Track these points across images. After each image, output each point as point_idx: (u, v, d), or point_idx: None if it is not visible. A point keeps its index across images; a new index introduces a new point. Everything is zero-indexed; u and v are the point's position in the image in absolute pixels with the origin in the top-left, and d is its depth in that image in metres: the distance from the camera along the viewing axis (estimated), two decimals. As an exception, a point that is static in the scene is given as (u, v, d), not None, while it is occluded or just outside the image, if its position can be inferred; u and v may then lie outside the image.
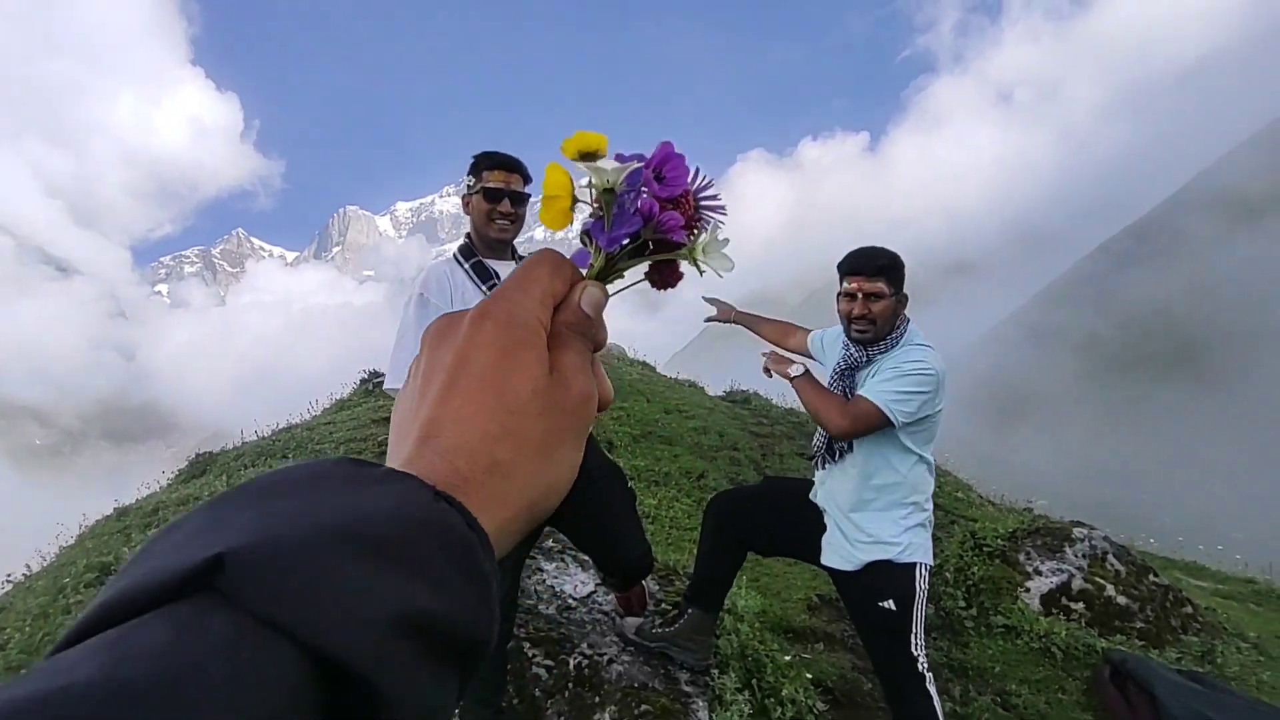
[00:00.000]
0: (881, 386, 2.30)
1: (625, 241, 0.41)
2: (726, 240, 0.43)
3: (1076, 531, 4.78)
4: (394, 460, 0.35)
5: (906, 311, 2.45)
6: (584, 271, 0.41)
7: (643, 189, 0.41)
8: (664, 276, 0.43)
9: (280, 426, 7.32)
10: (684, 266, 0.43)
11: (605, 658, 2.76)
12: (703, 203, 0.43)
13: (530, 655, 2.72)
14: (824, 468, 2.60)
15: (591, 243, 0.42)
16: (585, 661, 2.73)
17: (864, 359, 2.42)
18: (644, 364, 12.84)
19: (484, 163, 2.27)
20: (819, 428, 2.60)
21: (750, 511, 2.72)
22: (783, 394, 11.96)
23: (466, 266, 2.26)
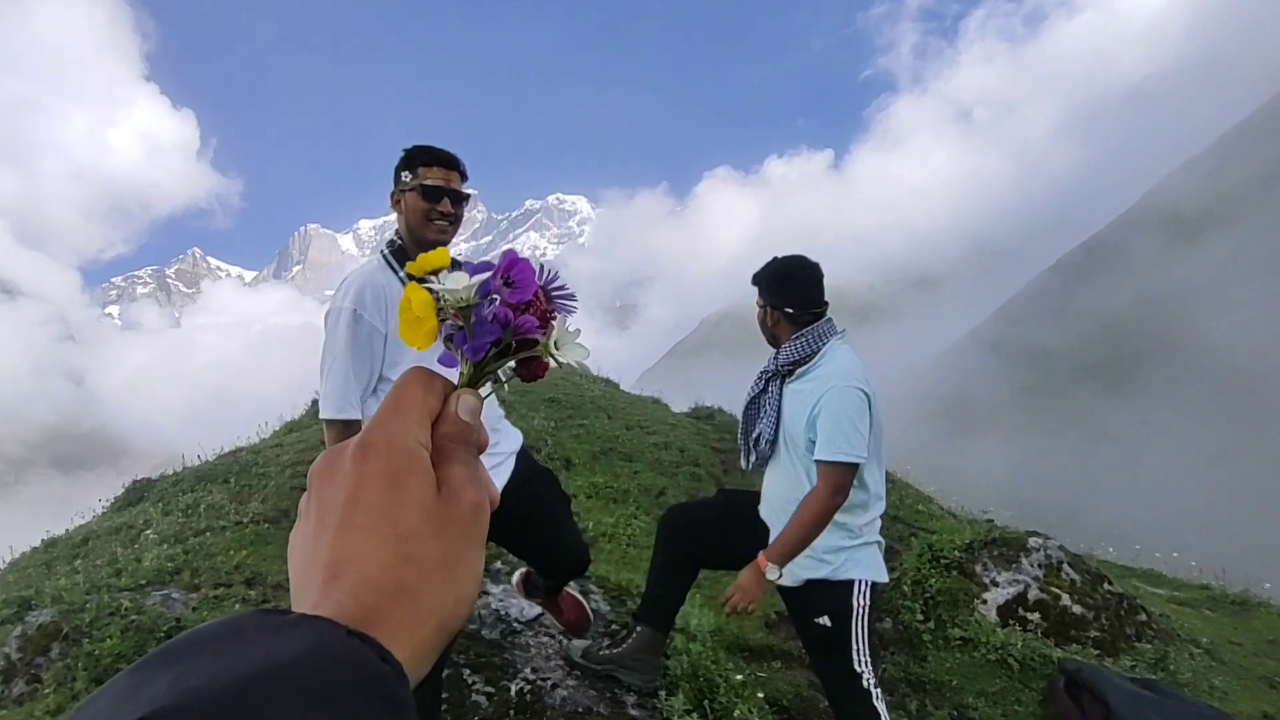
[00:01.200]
0: (823, 436, 2.27)
1: (489, 348, 0.43)
2: (578, 331, 0.45)
3: (1032, 541, 4.80)
4: (301, 604, 0.35)
5: (836, 331, 2.46)
6: (455, 379, 0.42)
7: (494, 297, 0.43)
8: (530, 370, 0.46)
9: (225, 450, 7.05)
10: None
11: (549, 683, 2.65)
12: (554, 296, 0.45)
13: (470, 682, 2.59)
14: (760, 468, 2.63)
15: (457, 351, 0.43)
16: (528, 687, 2.61)
17: (772, 368, 2.50)
18: (607, 381, 12.76)
19: (419, 158, 2.08)
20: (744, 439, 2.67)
21: (703, 524, 2.67)
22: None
23: (402, 275, 2.07)
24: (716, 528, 2.66)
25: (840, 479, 2.24)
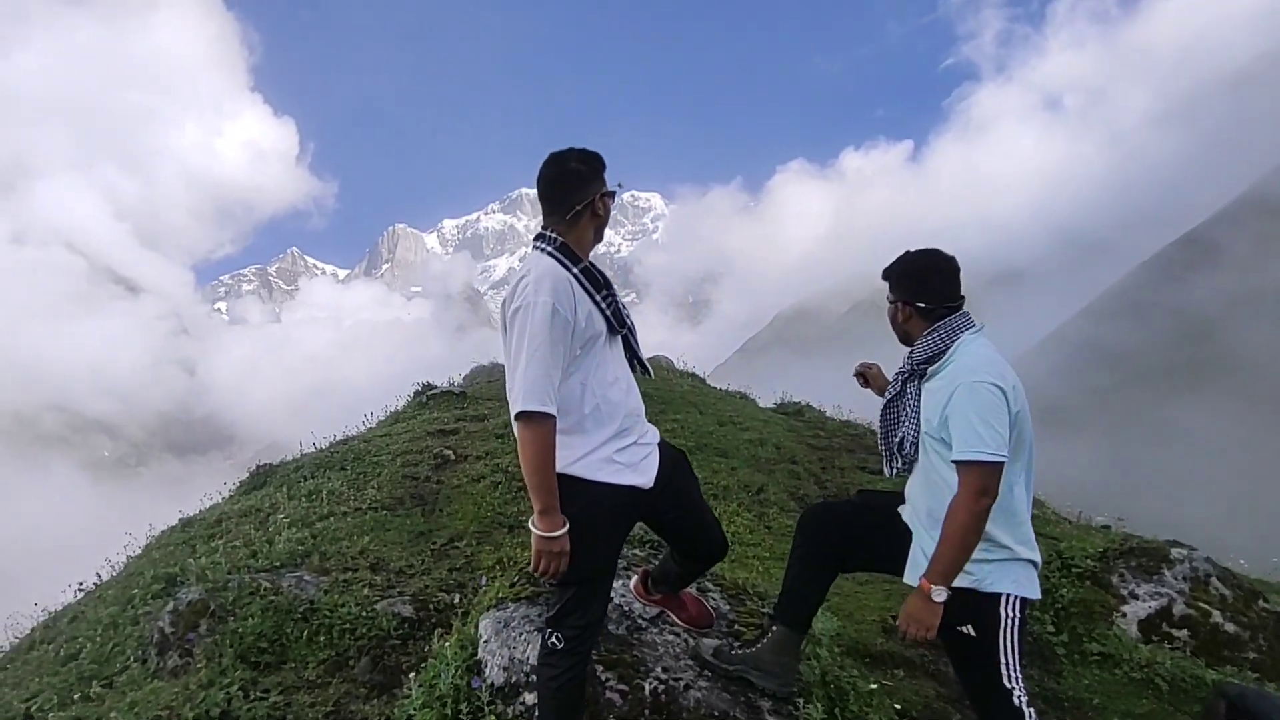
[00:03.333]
0: (956, 436, 2.15)
1: None
2: None
3: (1175, 552, 4.44)
4: None
5: (964, 324, 2.34)
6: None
7: None
8: None
9: (338, 439, 7.39)
10: None
11: (681, 683, 2.60)
12: None
13: (604, 679, 2.58)
14: (905, 473, 2.55)
15: None
16: (661, 687, 2.57)
17: (907, 368, 2.42)
18: (693, 375, 12.68)
19: (603, 163, 2.21)
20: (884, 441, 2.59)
21: (847, 521, 2.59)
22: (837, 405, 11.63)
23: (575, 271, 2.14)
24: (860, 526, 2.57)
25: (981, 480, 2.09)
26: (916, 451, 2.43)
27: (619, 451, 2.23)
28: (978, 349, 2.28)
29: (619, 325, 2.24)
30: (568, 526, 2.08)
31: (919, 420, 2.39)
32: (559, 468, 2.17)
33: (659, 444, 2.39)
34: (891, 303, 2.44)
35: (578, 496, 2.16)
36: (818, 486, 6.68)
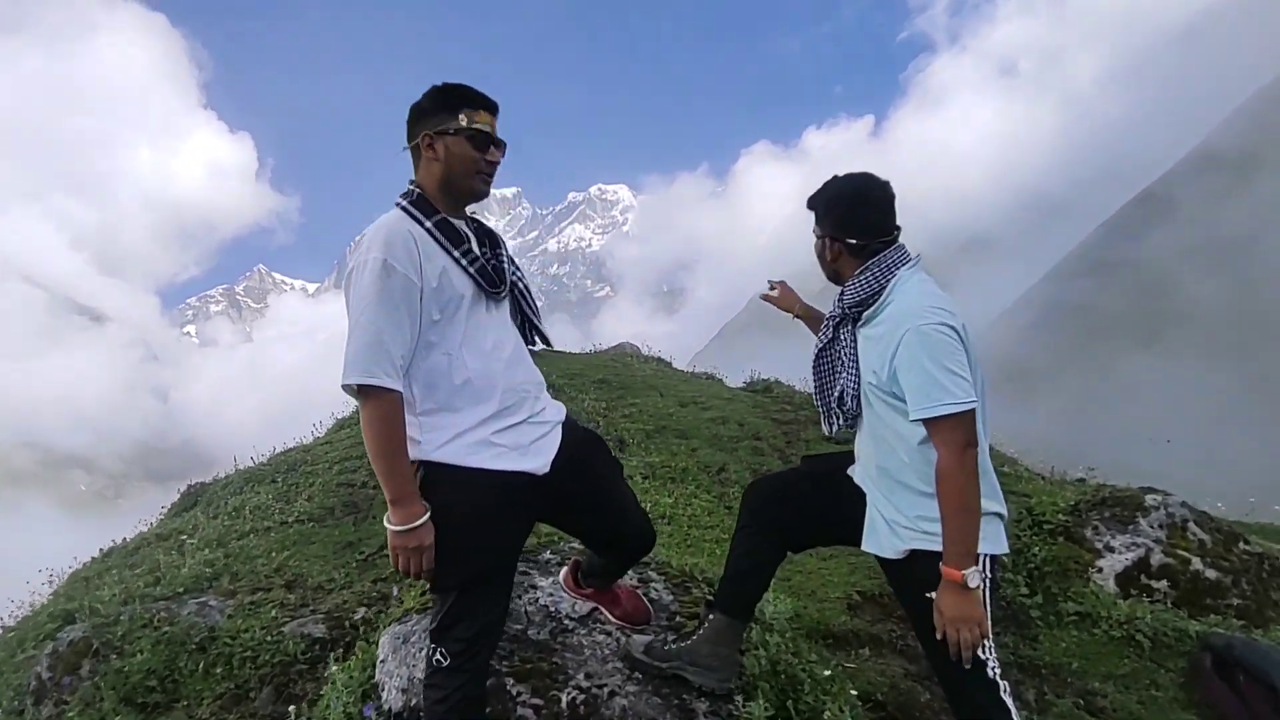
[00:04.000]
0: (914, 392, 1.87)
1: None
2: None
3: (1149, 499, 4.21)
4: None
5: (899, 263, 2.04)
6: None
7: None
8: None
9: (277, 450, 6.98)
10: None
11: (605, 689, 2.29)
12: None
13: (514, 693, 2.25)
14: (849, 429, 2.24)
15: None
16: (581, 696, 2.25)
17: (839, 312, 2.13)
18: (659, 360, 12.37)
19: (468, 99, 1.83)
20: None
21: (794, 493, 2.29)
22: (804, 378, 11.40)
23: (428, 224, 1.81)
24: (807, 496, 2.27)
25: (961, 432, 1.83)
26: (859, 405, 2.13)
27: (500, 432, 1.89)
28: (918, 286, 1.99)
29: (491, 284, 1.89)
30: (426, 516, 1.76)
31: (858, 370, 2.09)
32: (425, 454, 1.84)
33: (564, 423, 2.06)
34: (819, 238, 2.12)
35: (448, 486, 1.83)
36: (781, 461, 6.40)
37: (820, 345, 2.24)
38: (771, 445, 6.74)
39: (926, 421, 1.85)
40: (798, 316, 2.53)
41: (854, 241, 2.05)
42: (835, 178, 2.13)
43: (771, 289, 2.59)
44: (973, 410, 1.83)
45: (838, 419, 2.20)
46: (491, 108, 1.87)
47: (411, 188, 1.89)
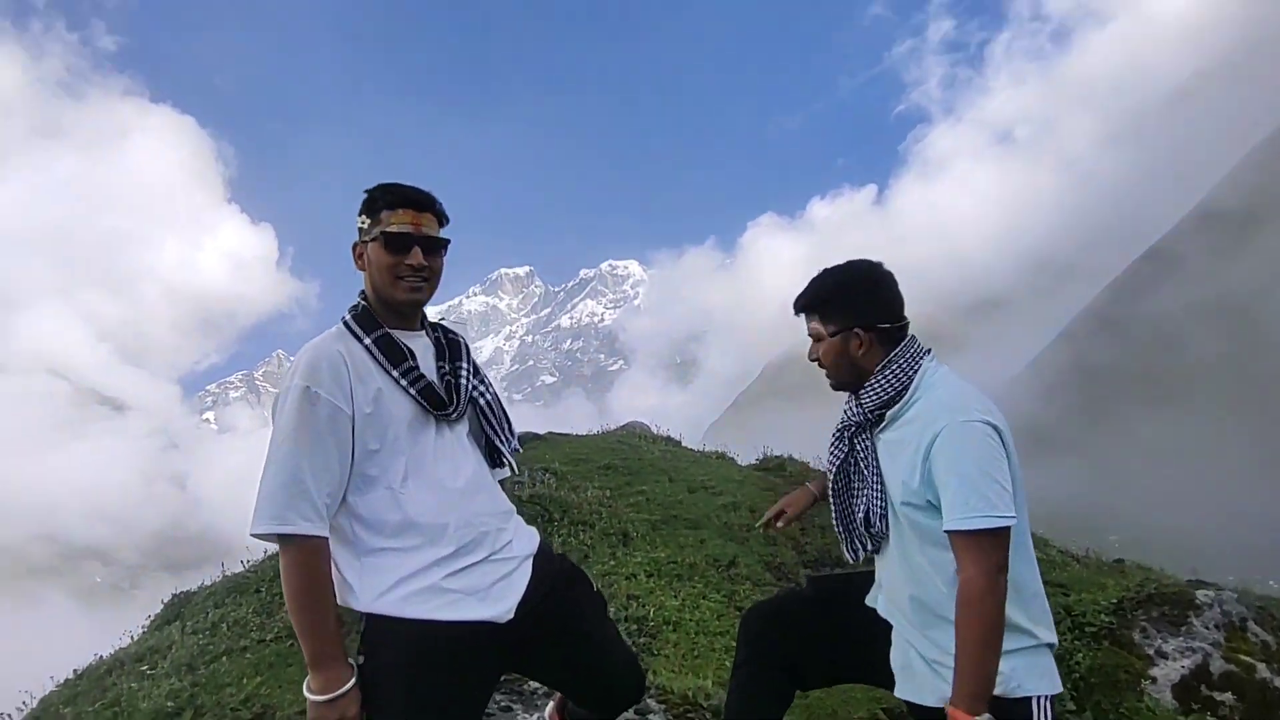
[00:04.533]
0: (951, 498, 1.61)
1: None
2: None
3: (1201, 595, 3.82)
4: None
5: (922, 351, 1.81)
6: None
7: None
8: None
9: (266, 554, 6.70)
10: None
11: None
12: None
13: None
14: (873, 554, 1.94)
15: None
16: None
17: (855, 418, 1.86)
18: (668, 440, 12.08)
19: (382, 199, 1.68)
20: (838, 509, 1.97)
21: (799, 621, 2.01)
22: (818, 456, 11.04)
23: (368, 341, 1.64)
24: (817, 626, 1.98)
25: (995, 553, 1.58)
26: (887, 525, 1.85)
27: (453, 575, 1.64)
28: (946, 378, 1.77)
29: (437, 405, 1.67)
30: (352, 682, 1.50)
31: (882, 483, 1.83)
32: (364, 604, 1.59)
33: (536, 555, 1.80)
34: (835, 333, 1.82)
35: (390, 642, 1.58)
36: (796, 552, 6.05)
37: (836, 463, 1.95)
38: (785, 534, 6.39)
39: (958, 535, 1.60)
40: (819, 499, 2.21)
41: (886, 326, 1.81)
42: (828, 269, 1.90)
43: (775, 521, 2.24)
44: (1007, 531, 1.59)
45: (863, 544, 1.92)
46: (416, 203, 1.69)
47: (359, 301, 1.73)
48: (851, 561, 1.96)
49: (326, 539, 1.52)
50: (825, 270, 1.90)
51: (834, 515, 1.98)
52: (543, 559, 1.82)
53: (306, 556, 1.49)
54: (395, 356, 1.65)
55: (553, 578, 1.81)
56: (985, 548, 1.57)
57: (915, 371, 1.77)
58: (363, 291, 1.74)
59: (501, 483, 1.91)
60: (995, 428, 1.66)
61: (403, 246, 1.65)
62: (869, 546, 1.89)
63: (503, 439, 1.88)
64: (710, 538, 6.16)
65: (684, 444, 12.78)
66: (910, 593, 1.78)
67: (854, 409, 1.87)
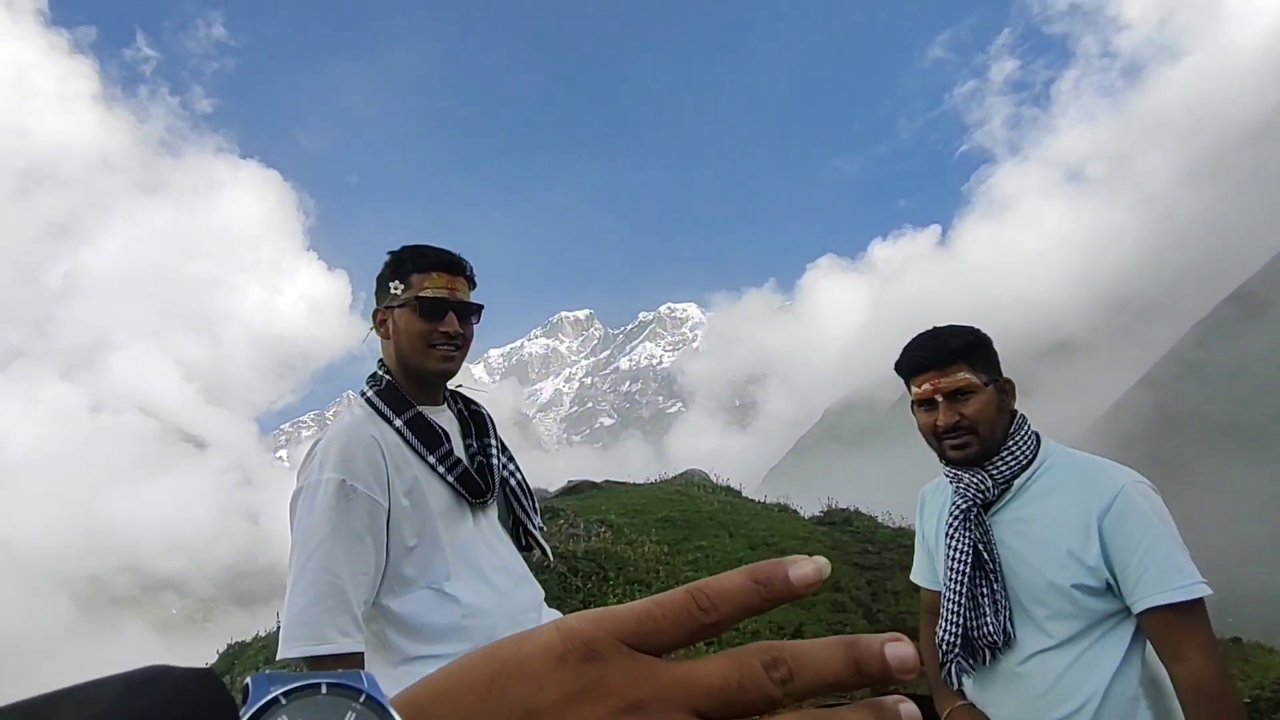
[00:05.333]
0: (1157, 568, 1.34)
1: None
2: None
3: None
4: None
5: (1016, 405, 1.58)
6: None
7: None
8: None
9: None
10: None
11: None
12: None
13: None
14: (970, 674, 1.59)
15: None
16: None
17: (991, 487, 1.50)
18: (728, 489, 11.75)
19: (413, 261, 1.56)
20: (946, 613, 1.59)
21: None
22: (888, 510, 10.43)
23: (399, 423, 1.48)
24: None
25: (1211, 629, 1.35)
26: (1012, 633, 1.50)
27: None
28: (1064, 447, 1.55)
29: (475, 492, 1.52)
30: None
31: (1003, 579, 1.49)
32: None
33: None
34: (988, 383, 1.51)
35: None
36: (867, 620, 5.63)
37: (966, 555, 1.52)
38: (855, 599, 5.99)
39: (1174, 611, 1.32)
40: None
41: (1012, 382, 1.57)
42: (943, 329, 1.60)
43: None
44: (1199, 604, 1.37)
45: (983, 659, 1.52)
46: (450, 266, 1.57)
47: (380, 374, 1.58)
48: (956, 687, 1.58)
49: (362, 653, 1.35)
50: (942, 327, 1.61)
51: (950, 624, 1.55)
52: None
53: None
54: (431, 440, 1.51)
55: None
56: (1204, 620, 1.33)
57: (1038, 438, 1.54)
58: (382, 363, 1.60)
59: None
60: (1154, 489, 1.45)
61: (438, 312, 1.52)
62: (987, 660, 1.53)
63: (534, 521, 1.73)
64: (773, 601, 5.83)
65: (744, 493, 12.40)
66: (1061, 714, 1.42)
67: (977, 482, 1.52)
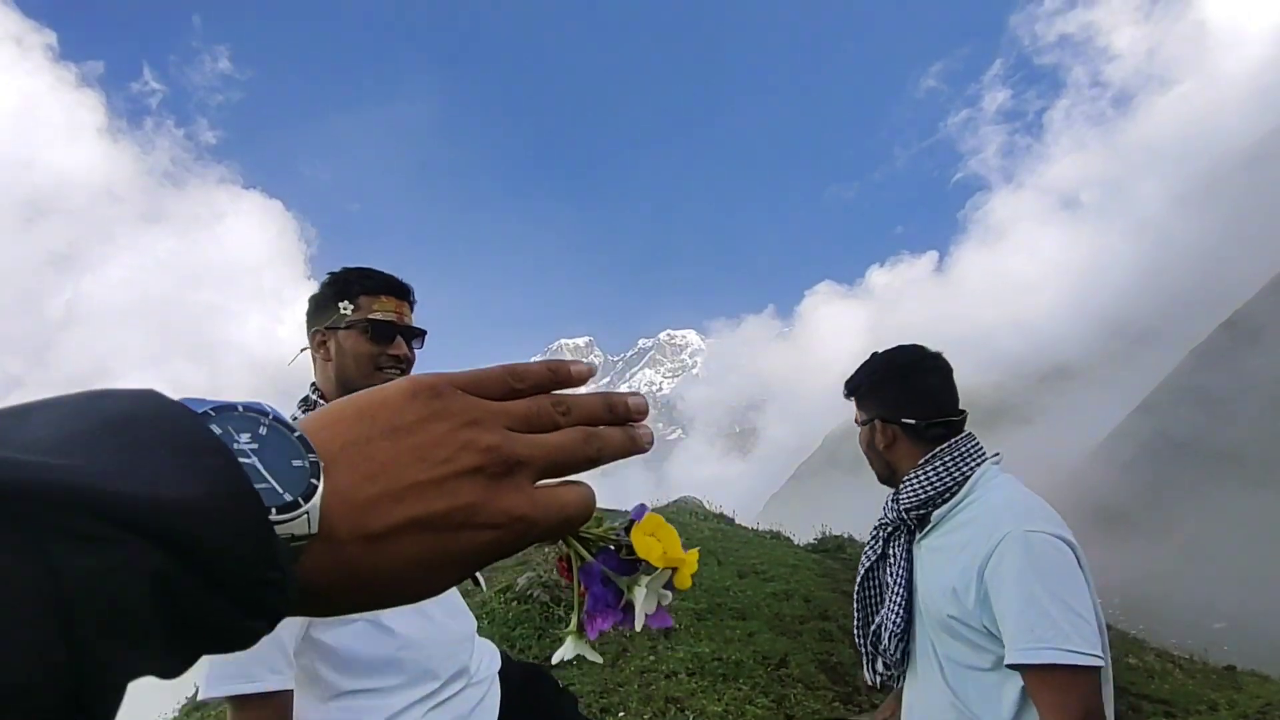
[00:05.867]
0: (1018, 623, 1.31)
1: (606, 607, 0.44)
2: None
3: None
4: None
5: (978, 446, 1.57)
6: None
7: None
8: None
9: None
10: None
11: None
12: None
13: None
14: (893, 680, 1.69)
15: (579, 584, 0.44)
16: None
17: (892, 517, 1.62)
18: (720, 516, 11.63)
19: (360, 283, 1.54)
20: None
21: None
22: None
23: None
24: None
25: (1078, 699, 1.25)
26: (903, 650, 1.59)
27: (435, 709, 1.45)
28: (1012, 486, 1.50)
29: None
30: None
31: (907, 599, 1.57)
32: None
33: (500, 670, 1.63)
34: (864, 424, 1.66)
35: None
36: (853, 650, 5.53)
37: (866, 564, 1.72)
38: (842, 628, 5.89)
39: (1028, 671, 1.29)
40: None
41: (911, 421, 1.58)
42: (876, 353, 1.72)
43: None
44: (1099, 673, 1.27)
45: (878, 665, 1.66)
46: (398, 290, 1.56)
47: (313, 398, 1.54)
48: (870, 682, 1.67)
49: (292, 690, 1.27)
50: (874, 354, 1.72)
51: (855, 626, 1.73)
52: (508, 669, 1.65)
53: (273, 714, 1.24)
54: None
55: (520, 689, 1.63)
56: (1065, 688, 1.25)
57: (968, 472, 1.52)
58: (314, 386, 1.56)
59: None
60: (1068, 544, 1.37)
61: (387, 336, 1.51)
62: (884, 671, 1.63)
63: None
64: (760, 630, 5.72)
65: (738, 520, 12.28)
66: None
67: (890, 507, 1.64)
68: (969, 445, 1.55)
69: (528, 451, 0.36)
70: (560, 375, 0.40)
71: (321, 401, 1.54)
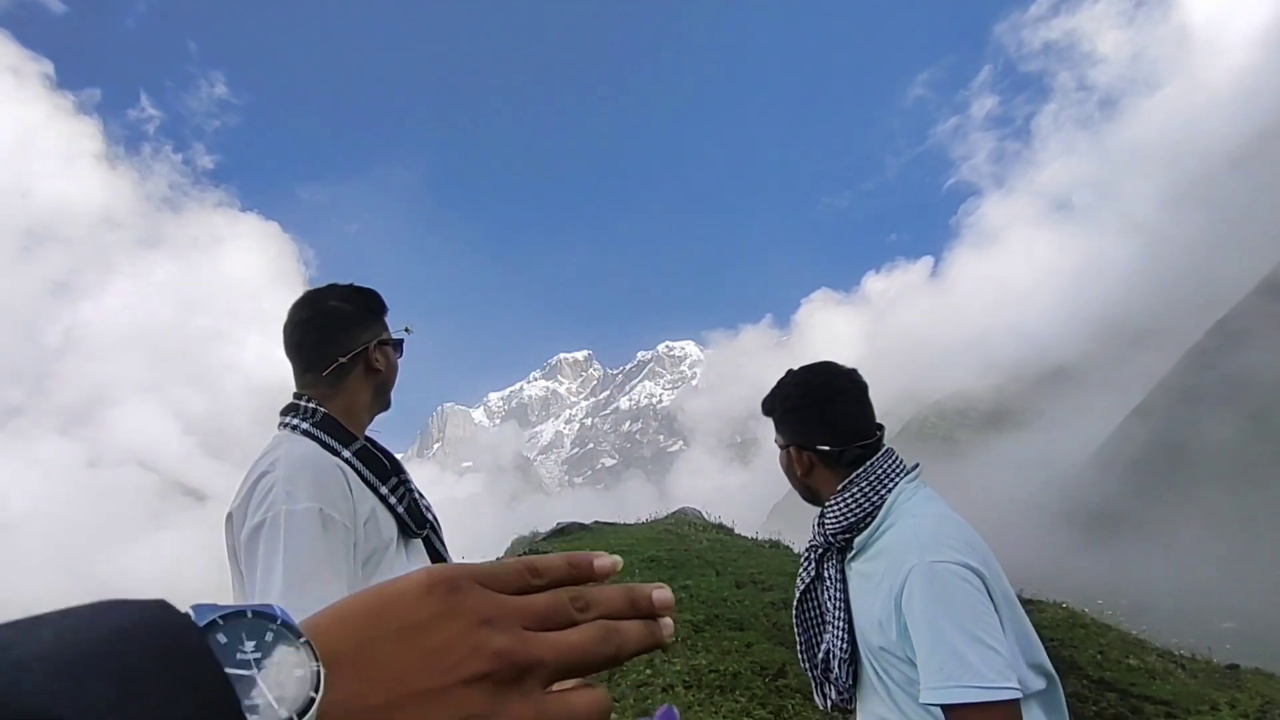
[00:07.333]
0: (927, 661, 1.31)
1: None
2: None
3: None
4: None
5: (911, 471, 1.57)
6: None
7: None
8: None
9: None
10: None
11: None
12: None
13: None
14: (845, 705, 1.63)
15: None
16: None
17: (820, 540, 1.60)
18: (719, 527, 11.60)
19: (379, 305, 1.64)
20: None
21: None
22: (881, 544, 10.25)
23: (348, 454, 1.44)
24: None
25: None
26: (852, 675, 1.55)
27: None
28: (925, 505, 1.49)
29: (418, 526, 1.52)
30: None
31: (848, 623, 1.55)
32: None
33: None
34: (782, 449, 1.64)
35: None
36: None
37: (800, 587, 1.68)
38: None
39: (945, 709, 1.28)
40: None
41: (826, 449, 1.57)
42: (790, 372, 1.69)
43: None
44: (1015, 703, 1.25)
45: (827, 690, 1.61)
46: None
47: (310, 405, 1.50)
48: (821, 708, 1.62)
49: None
50: (788, 372, 1.68)
51: (800, 650, 1.68)
52: None
53: None
54: (381, 471, 1.48)
55: None
56: None
57: (883, 493, 1.50)
58: (307, 396, 1.54)
59: None
60: (972, 569, 1.34)
61: (401, 351, 1.68)
62: (834, 696, 1.57)
63: (448, 556, 1.72)
64: (757, 641, 5.68)
65: (737, 530, 12.25)
66: None
67: (817, 531, 1.61)
68: (886, 465, 1.54)
69: (541, 653, 0.36)
70: (580, 570, 0.38)
71: (323, 410, 1.50)
